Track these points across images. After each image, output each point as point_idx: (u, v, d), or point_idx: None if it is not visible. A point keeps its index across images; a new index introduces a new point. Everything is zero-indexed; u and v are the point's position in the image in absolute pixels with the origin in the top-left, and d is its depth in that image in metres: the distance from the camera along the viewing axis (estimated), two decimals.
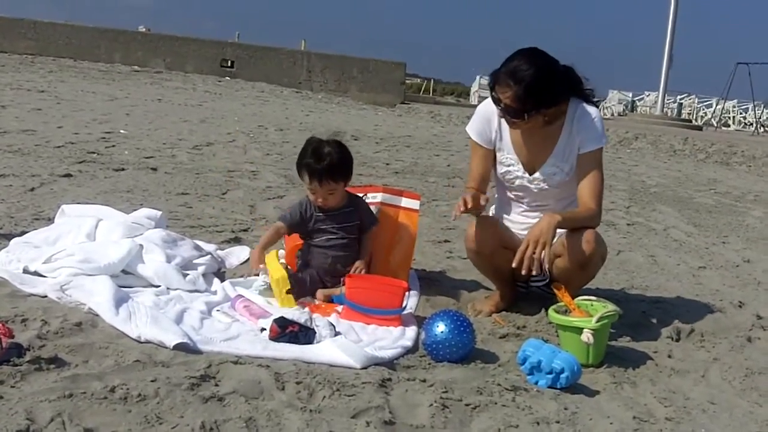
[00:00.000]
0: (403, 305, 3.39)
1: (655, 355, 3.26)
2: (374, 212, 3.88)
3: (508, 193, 3.71)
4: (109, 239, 3.67)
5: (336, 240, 3.64)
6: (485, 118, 3.61)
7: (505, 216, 3.75)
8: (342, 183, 3.66)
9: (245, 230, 4.80)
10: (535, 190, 3.59)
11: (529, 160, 3.57)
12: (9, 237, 3.83)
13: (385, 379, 2.66)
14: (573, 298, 3.24)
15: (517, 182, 3.61)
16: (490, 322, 3.52)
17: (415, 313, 3.50)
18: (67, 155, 6.96)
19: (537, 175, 3.56)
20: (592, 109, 3.51)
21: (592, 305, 3.20)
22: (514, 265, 3.23)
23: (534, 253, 3.16)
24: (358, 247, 3.73)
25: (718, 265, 5.33)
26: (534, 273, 3.20)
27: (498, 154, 3.63)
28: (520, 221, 3.67)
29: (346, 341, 2.94)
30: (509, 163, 3.61)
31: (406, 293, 3.46)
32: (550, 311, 3.19)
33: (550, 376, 2.77)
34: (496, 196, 3.86)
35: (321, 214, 3.69)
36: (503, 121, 3.51)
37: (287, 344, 2.88)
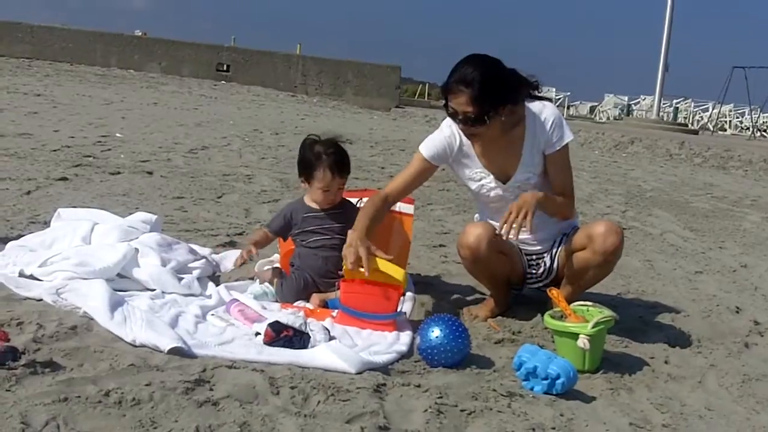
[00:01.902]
0: (398, 310, 3.38)
1: (652, 361, 3.26)
2: None
3: (490, 205, 3.69)
4: (105, 243, 3.66)
5: (325, 240, 3.63)
6: (447, 142, 3.56)
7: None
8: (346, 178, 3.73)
9: (240, 234, 4.79)
10: (512, 198, 3.53)
11: (500, 170, 3.55)
12: (5, 240, 3.82)
13: (380, 384, 2.66)
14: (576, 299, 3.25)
15: (493, 194, 3.60)
16: (486, 327, 3.51)
17: (410, 317, 3.49)
18: (63, 159, 6.95)
19: (511, 182, 3.54)
20: (549, 110, 3.50)
21: (588, 310, 3.20)
22: (497, 231, 3.30)
23: (517, 219, 3.22)
24: None
25: (715, 270, 5.33)
26: (513, 238, 3.25)
27: (467, 171, 3.61)
28: None
29: (341, 346, 2.93)
30: (480, 177, 3.59)
31: (401, 298, 3.45)
32: (546, 317, 3.19)
33: (545, 382, 2.77)
34: (477, 212, 3.86)
35: (309, 215, 3.69)
36: (465, 137, 3.50)
37: (282, 349, 2.87)
